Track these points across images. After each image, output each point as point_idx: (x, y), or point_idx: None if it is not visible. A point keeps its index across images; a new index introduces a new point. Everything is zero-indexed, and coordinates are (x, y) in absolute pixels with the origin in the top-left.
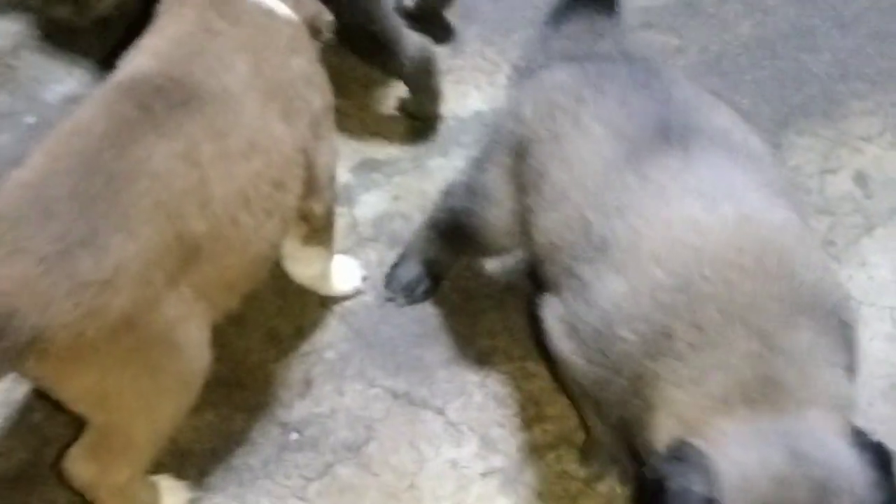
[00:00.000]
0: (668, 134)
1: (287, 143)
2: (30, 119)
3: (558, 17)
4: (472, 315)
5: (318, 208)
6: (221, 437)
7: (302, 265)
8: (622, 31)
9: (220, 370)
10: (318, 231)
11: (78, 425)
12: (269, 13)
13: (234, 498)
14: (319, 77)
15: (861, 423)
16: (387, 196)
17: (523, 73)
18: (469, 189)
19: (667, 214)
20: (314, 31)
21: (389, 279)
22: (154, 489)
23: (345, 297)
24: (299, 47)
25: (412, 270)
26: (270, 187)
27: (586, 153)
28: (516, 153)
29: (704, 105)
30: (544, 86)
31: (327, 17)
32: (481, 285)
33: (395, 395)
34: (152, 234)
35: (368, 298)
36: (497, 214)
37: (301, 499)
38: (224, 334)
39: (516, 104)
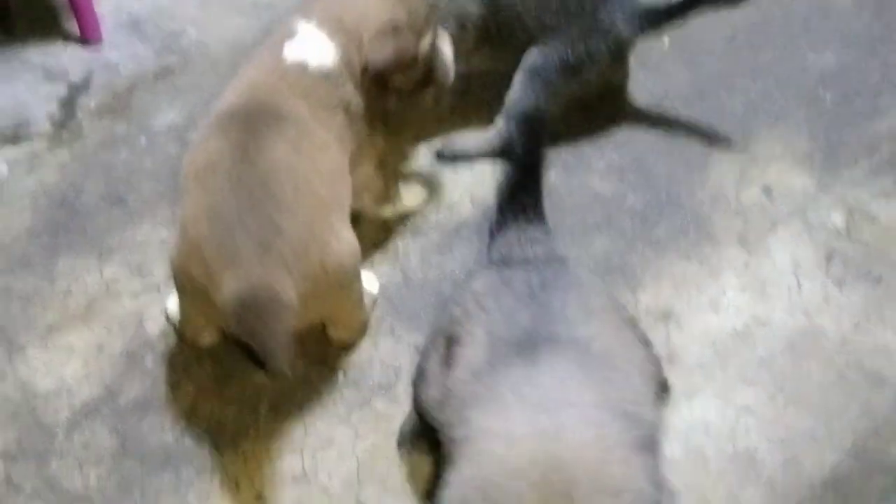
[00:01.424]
0: (525, 345)
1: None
2: (143, 141)
3: (495, 228)
4: None
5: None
6: (287, 379)
7: None
8: (551, 237)
9: None
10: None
11: (178, 368)
12: (310, 69)
13: (298, 422)
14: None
15: (764, 374)
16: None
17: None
18: (417, 370)
19: (491, 424)
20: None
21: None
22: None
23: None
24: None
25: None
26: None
27: (466, 359)
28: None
29: (580, 314)
30: (467, 291)
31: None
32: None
33: (417, 348)
34: (306, 206)
35: (398, 279)
36: (432, 394)
37: (346, 424)
38: None
39: (450, 304)
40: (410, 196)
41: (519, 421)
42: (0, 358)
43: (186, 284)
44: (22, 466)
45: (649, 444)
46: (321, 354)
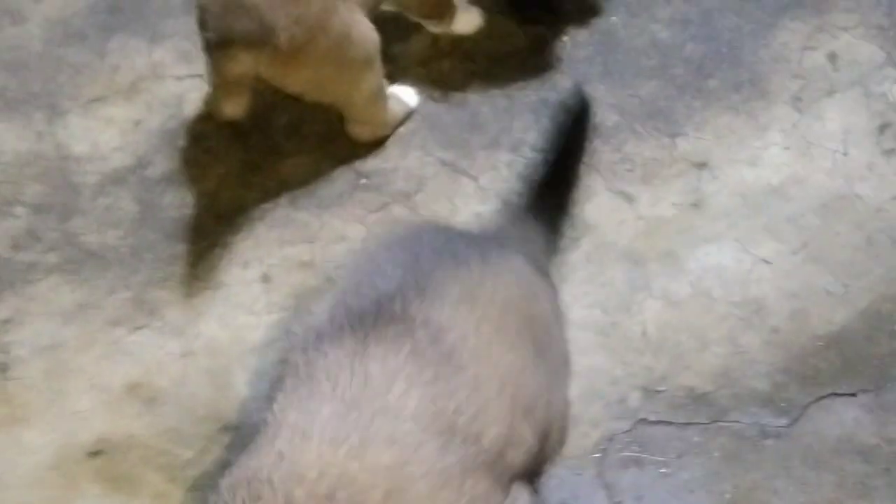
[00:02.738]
0: (367, 319)
1: None
2: None
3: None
4: (511, 115)
5: None
6: (311, 174)
7: None
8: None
9: (318, 129)
10: None
11: (209, 151)
12: None
13: (314, 216)
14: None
15: (791, 230)
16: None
17: None
18: None
19: (292, 412)
20: None
21: None
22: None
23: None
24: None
25: None
26: None
27: (310, 316)
28: None
29: (458, 296)
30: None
31: None
32: (521, 92)
33: (444, 163)
34: None
35: (438, 96)
36: None
37: (362, 224)
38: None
39: None
40: (466, 19)
41: (322, 418)
42: (41, 121)
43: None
44: (45, 219)
45: (488, 467)
46: (347, 156)
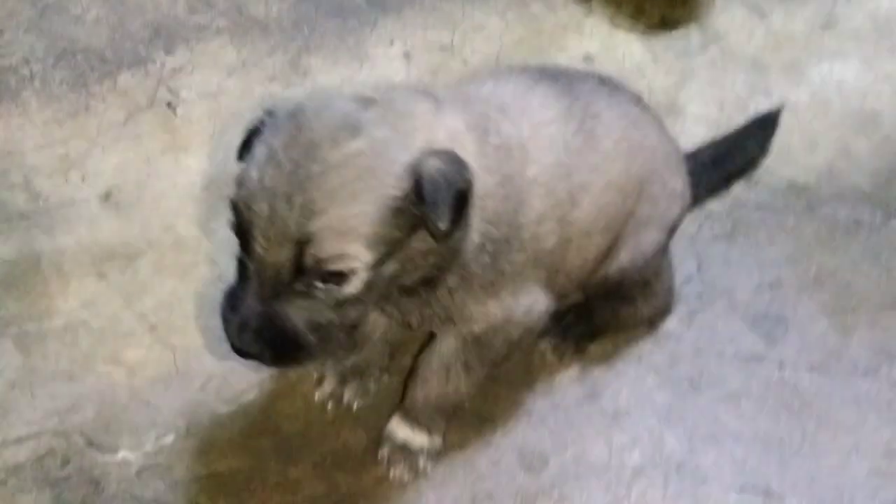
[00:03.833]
0: (554, 73)
1: None
2: None
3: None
4: None
5: None
6: None
7: None
8: None
9: None
10: None
11: None
12: None
13: (458, 6)
14: None
15: None
16: None
17: None
18: None
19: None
20: None
21: None
22: None
23: None
24: None
25: None
26: None
27: None
28: None
29: (617, 112)
30: None
31: None
32: None
33: None
34: None
35: None
36: None
37: (501, 17)
38: None
39: None
40: None
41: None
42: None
43: None
44: None
45: None
46: None
